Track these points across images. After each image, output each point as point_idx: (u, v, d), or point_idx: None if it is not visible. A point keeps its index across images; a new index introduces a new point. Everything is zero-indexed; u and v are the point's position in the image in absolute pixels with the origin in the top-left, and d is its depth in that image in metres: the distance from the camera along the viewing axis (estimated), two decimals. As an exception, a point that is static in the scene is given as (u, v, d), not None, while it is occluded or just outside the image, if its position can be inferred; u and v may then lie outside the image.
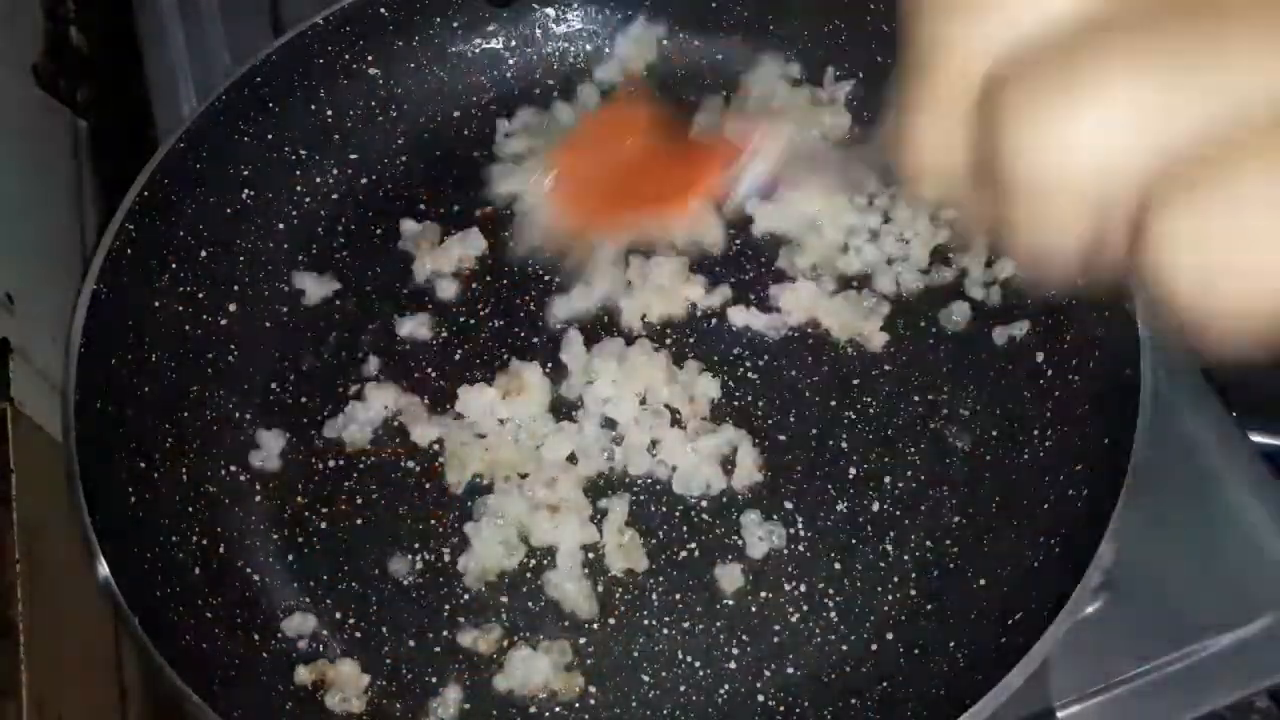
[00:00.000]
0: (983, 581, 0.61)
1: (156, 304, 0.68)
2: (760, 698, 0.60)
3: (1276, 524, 0.66)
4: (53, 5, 0.90)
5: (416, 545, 0.65)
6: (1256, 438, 0.69)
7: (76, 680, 0.69)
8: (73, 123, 0.90)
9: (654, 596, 0.63)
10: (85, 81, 0.91)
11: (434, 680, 0.61)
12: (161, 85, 0.87)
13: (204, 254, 0.71)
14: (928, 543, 0.64)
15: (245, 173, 0.74)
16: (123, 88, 0.90)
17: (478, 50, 0.81)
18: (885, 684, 0.60)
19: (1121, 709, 0.62)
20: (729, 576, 0.63)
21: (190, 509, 0.65)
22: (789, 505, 0.66)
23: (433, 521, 0.66)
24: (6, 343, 0.71)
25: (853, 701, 0.59)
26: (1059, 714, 0.62)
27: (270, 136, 0.75)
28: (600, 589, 0.63)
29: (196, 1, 0.90)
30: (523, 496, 0.65)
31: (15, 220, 0.77)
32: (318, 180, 0.77)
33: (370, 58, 0.78)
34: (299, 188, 0.76)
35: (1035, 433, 0.66)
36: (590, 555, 0.64)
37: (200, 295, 0.71)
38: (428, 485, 0.67)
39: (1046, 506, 0.62)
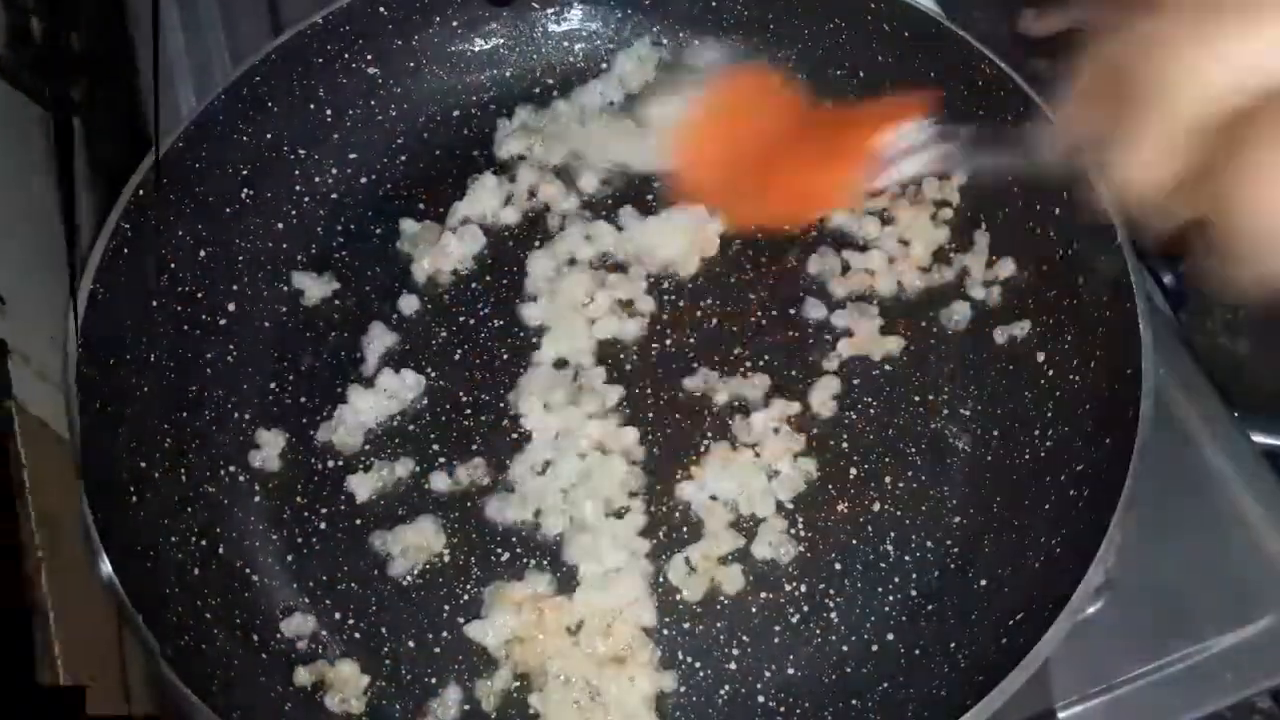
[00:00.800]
0: (983, 582, 0.62)
1: (155, 304, 0.68)
2: (760, 698, 0.61)
3: (1277, 524, 0.66)
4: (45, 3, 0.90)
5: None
6: (1258, 438, 0.69)
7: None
8: (68, 123, 0.89)
9: (654, 598, 0.63)
10: (78, 80, 0.91)
11: (434, 680, 0.62)
12: (160, 85, 0.86)
13: (203, 254, 0.72)
14: (928, 543, 0.64)
15: (244, 172, 0.74)
16: (119, 87, 0.89)
17: (477, 50, 0.81)
18: (885, 684, 0.60)
19: (1123, 709, 0.62)
20: (729, 576, 0.63)
21: (190, 509, 0.65)
22: (790, 506, 0.66)
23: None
24: (4, 344, 0.71)
25: (853, 702, 0.60)
26: (1060, 714, 0.62)
27: (270, 136, 0.75)
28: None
29: (195, 1, 0.90)
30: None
31: (8, 222, 0.77)
32: (317, 180, 0.77)
33: (370, 57, 0.78)
34: (298, 188, 0.77)
35: (1035, 433, 0.66)
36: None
37: (200, 295, 0.71)
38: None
39: (1048, 507, 0.62)
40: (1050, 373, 0.67)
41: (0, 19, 0.86)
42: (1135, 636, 0.63)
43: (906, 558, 0.64)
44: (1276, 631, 0.63)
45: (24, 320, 0.70)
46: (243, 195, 0.74)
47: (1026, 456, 0.65)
